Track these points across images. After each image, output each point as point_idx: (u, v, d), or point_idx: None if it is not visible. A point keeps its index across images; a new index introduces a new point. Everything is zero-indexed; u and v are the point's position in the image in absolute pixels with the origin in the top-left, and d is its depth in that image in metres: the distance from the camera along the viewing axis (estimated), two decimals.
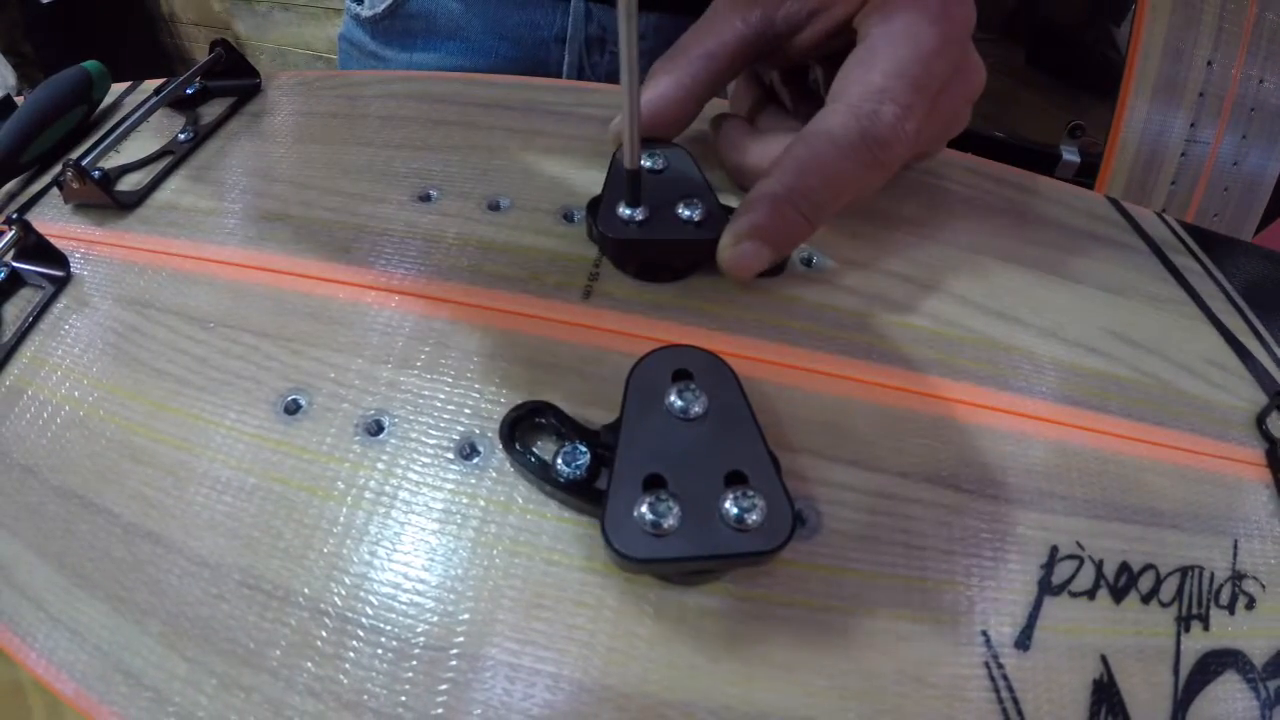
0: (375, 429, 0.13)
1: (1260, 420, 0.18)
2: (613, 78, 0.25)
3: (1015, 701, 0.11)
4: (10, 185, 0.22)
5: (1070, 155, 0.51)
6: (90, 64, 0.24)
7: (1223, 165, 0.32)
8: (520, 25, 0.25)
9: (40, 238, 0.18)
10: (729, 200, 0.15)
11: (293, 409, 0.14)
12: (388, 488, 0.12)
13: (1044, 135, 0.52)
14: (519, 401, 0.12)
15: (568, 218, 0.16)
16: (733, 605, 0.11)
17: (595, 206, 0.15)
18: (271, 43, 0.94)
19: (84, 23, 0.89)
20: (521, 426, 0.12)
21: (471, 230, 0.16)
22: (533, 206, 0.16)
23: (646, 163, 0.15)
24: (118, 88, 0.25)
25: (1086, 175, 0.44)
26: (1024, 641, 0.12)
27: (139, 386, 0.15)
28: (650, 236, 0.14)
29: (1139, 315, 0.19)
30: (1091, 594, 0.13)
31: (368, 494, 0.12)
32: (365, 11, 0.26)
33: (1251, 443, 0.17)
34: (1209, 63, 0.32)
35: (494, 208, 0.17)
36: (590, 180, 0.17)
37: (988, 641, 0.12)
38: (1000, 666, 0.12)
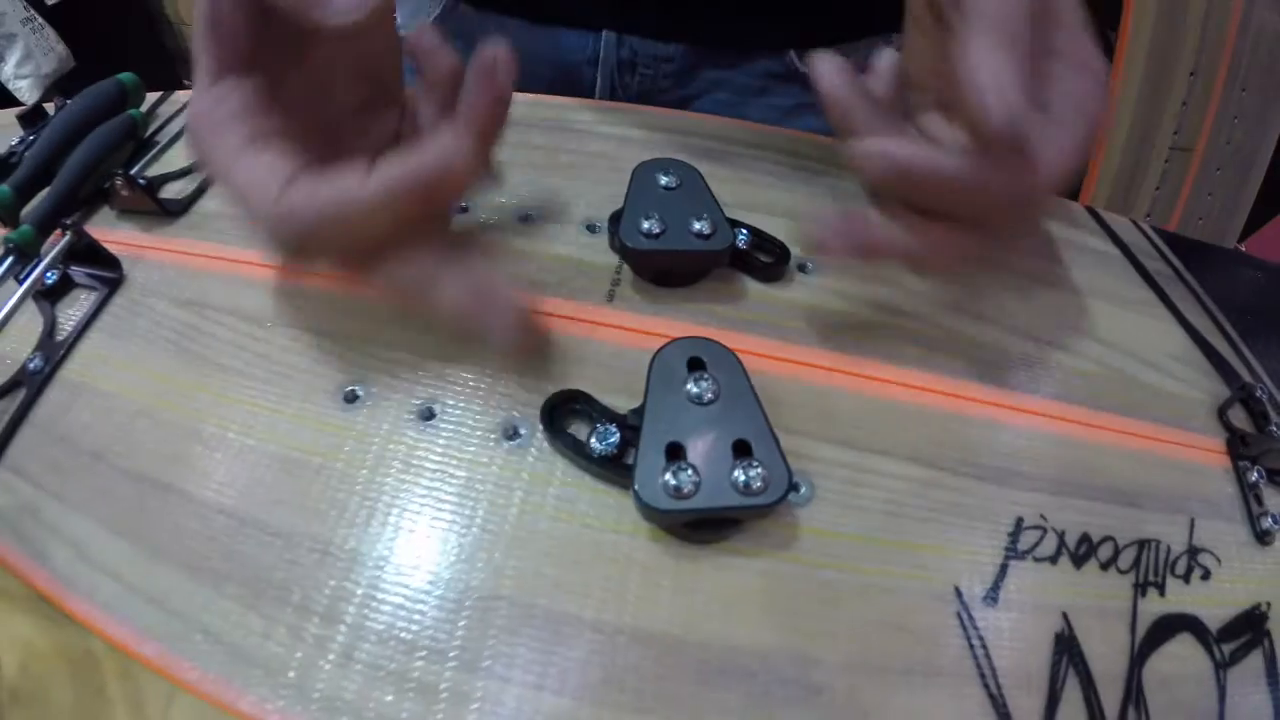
0: (428, 415, 0.16)
1: (1221, 412, 0.21)
2: (643, 98, 0.28)
3: (985, 648, 0.14)
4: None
5: None
6: (125, 76, 0.27)
7: (1207, 170, 0.36)
8: (556, 49, 0.28)
9: (93, 241, 0.21)
10: (731, 214, 0.18)
11: (351, 399, 0.17)
12: (441, 465, 0.15)
13: None
14: (555, 390, 0.15)
15: (590, 229, 0.20)
16: (741, 562, 0.14)
17: (617, 219, 0.18)
18: None
19: (87, 24, 0.93)
20: (558, 411, 0.15)
21: (506, 240, 0.19)
22: (559, 219, 0.20)
23: (663, 180, 0.18)
24: (150, 96, 0.29)
25: (1075, 180, 0.47)
26: (992, 597, 0.15)
27: (204, 379, 0.18)
28: (666, 248, 0.17)
29: (1109, 316, 0.22)
30: (1054, 559, 0.16)
31: (424, 471, 0.15)
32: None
33: (1213, 432, 0.20)
34: (1192, 73, 0.35)
35: (525, 220, 0.20)
36: (607, 194, 0.20)
37: (960, 596, 0.15)
38: (971, 618, 0.15)
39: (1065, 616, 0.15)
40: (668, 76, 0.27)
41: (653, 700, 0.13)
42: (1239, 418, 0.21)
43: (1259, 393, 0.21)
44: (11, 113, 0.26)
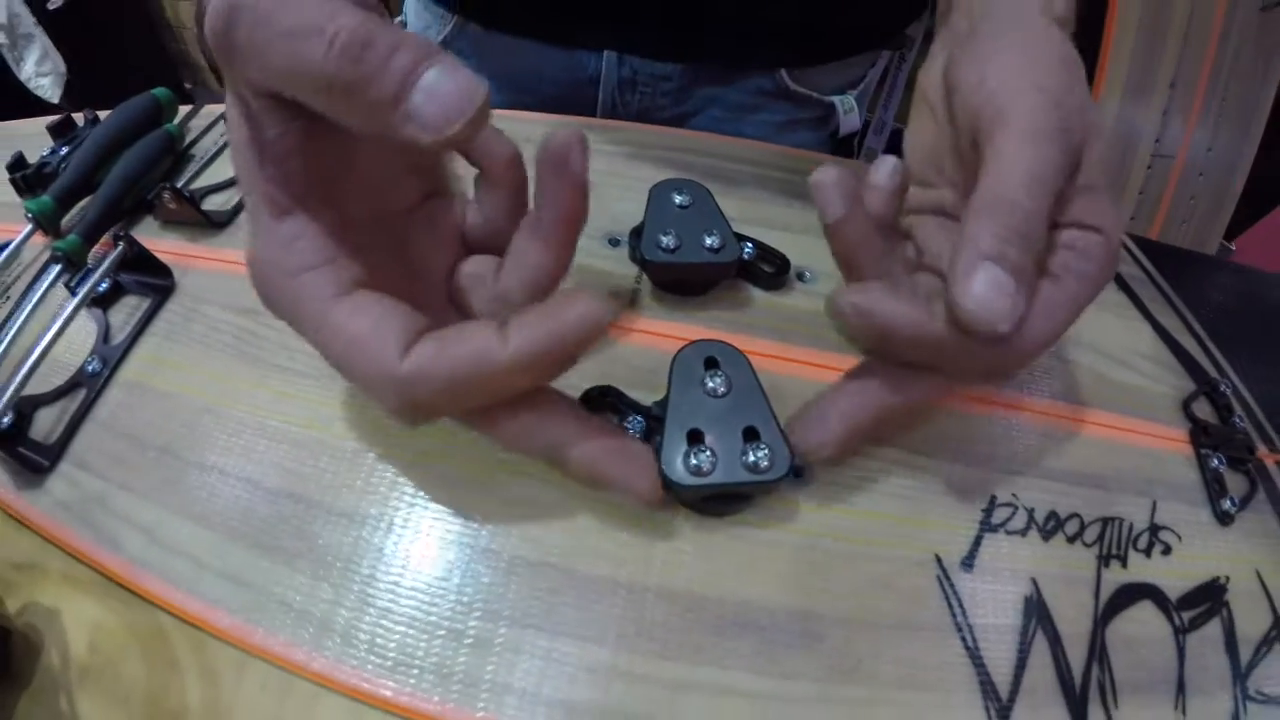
0: None
1: (1186, 405, 0.23)
2: (642, 115, 0.30)
3: (962, 607, 0.17)
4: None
5: None
6: (159, 91, 0.29)
7: (1189, 176, 0.38)
8: (558, 68, 0.30)
9: (144, 250, 0.23)
10: (738, 228, 0.21)
11: None
12: (486, 453, 0.18)
13: None
14: (589, 386, 0.18)
15: (612, 243, 0.22)
16: (751, 532, 0.17)
17: (638, 234, 0.21)
18: None
19: (89, 29, 0.95)
20: (592, 404, 0.18)
21: None
22: (585, 234, 0.22)
23: (677, 199, 0.21)
24: (181, 110, 0.31)
25: None
26: (968, 563, 0.18)
27: (262, 379, 0.20)
28: (682, 260, 0.20)
29: (1082, 317, 0.25)
30: (1024, 533, 0.19)
31: (471, 457, 0.18)
32: None
33: (1177, 424, 0.23)
34: (1172, 84, 0.38)
35: None
36: (624, 211, 0.23)
37: (940, 563, 0.17)
38: (949, 581, 0.17)
39: (1034, 582, 0.18)
40: (665, 94, 0.30)
41: (677, 648, 0.16)
42: (1204, 410, 0.23)
43: (1223, 387, 0.24)
44: (40, 122, 0.29)
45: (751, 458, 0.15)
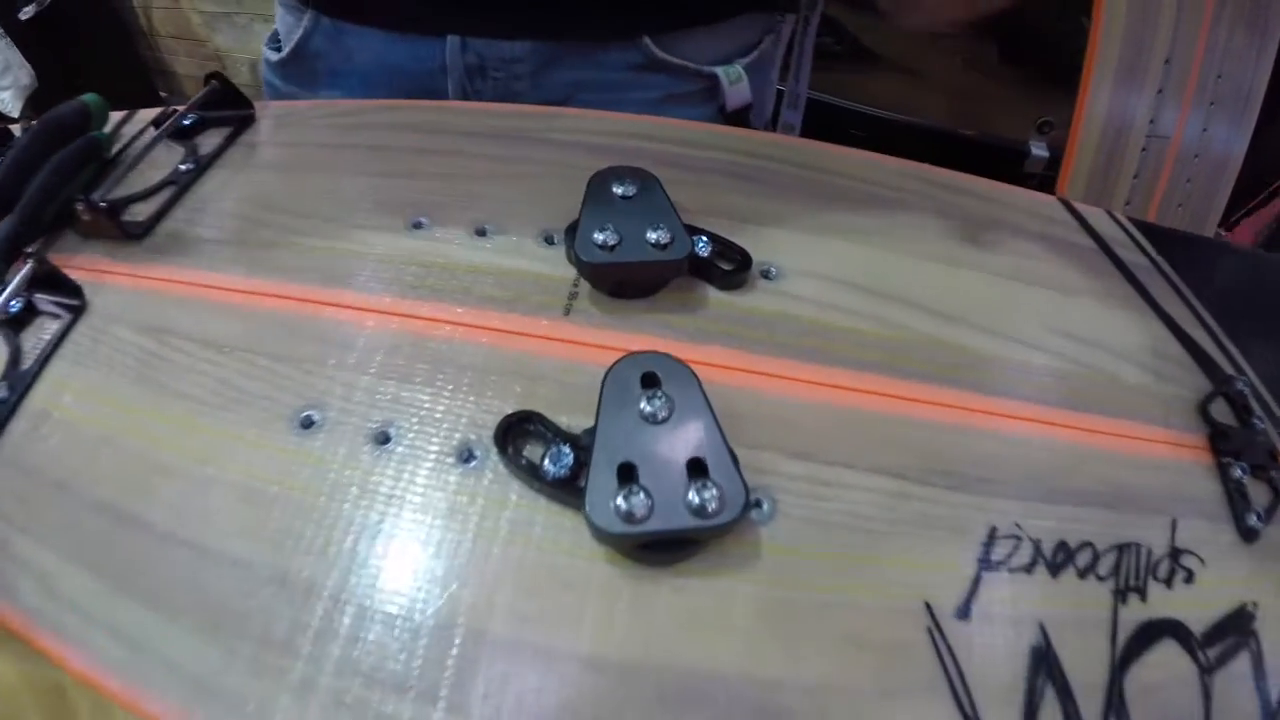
0: (383, 439, 0.15)
1: (1203, 407, 0.20)
2: (501, 100, 0.27)
3: (957, 664, 0.14)
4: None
5: (1039, 150, 0.53)
6: (89, 97, 0.26)
7: (1184, 158, 0.35)
8: (406, 58, 0.27)
9: (54, 269, 0.20)
10: (692, 220, 0.17)
11: (307, 424, 0.16)
12: (397, 490, 0.15)
13: (1014, 131, 0.54)
14: (510, 411, 0.15)
15: (548, 240, 0.19)
16: (699, 584, 0.13)
17: (573, 231, 0.17)
18: (251, 54, 0.97)
19: (62, 37, 0.91)
20: (512, 433, 0.14)
21: (461, 256, 0.18)
22: (515, 231, 0.19)
23: (619, 190, 0.17)
24: (114, 117, 0.28)
25: (1055, 170, 0.46)
26: (964, 612, 0.14)
27: (163, 407, 0.17)
28: (622, 260, 0.16)
29: (1086, 312, 0.21)
30: (1029, 569, 0.15)
31: (379, 496, 0.15)
32: (273, 57, 0.30)
33: (1195, 428, 0.19)
34: (1167, 61, 0.34)
35: (480, 233, 0.19)
36: (566, 204, 0.19)
37: (930, 612, 0.14)
38: (942, 633, 0.14)
39: (1042, 628, 0.14)
40: (520, 79, 0.26)
41: None
42: (1221, 412, 0.20)
43: (1240, 385, 0.20)
44: None
45: (696, 498, 0.12)
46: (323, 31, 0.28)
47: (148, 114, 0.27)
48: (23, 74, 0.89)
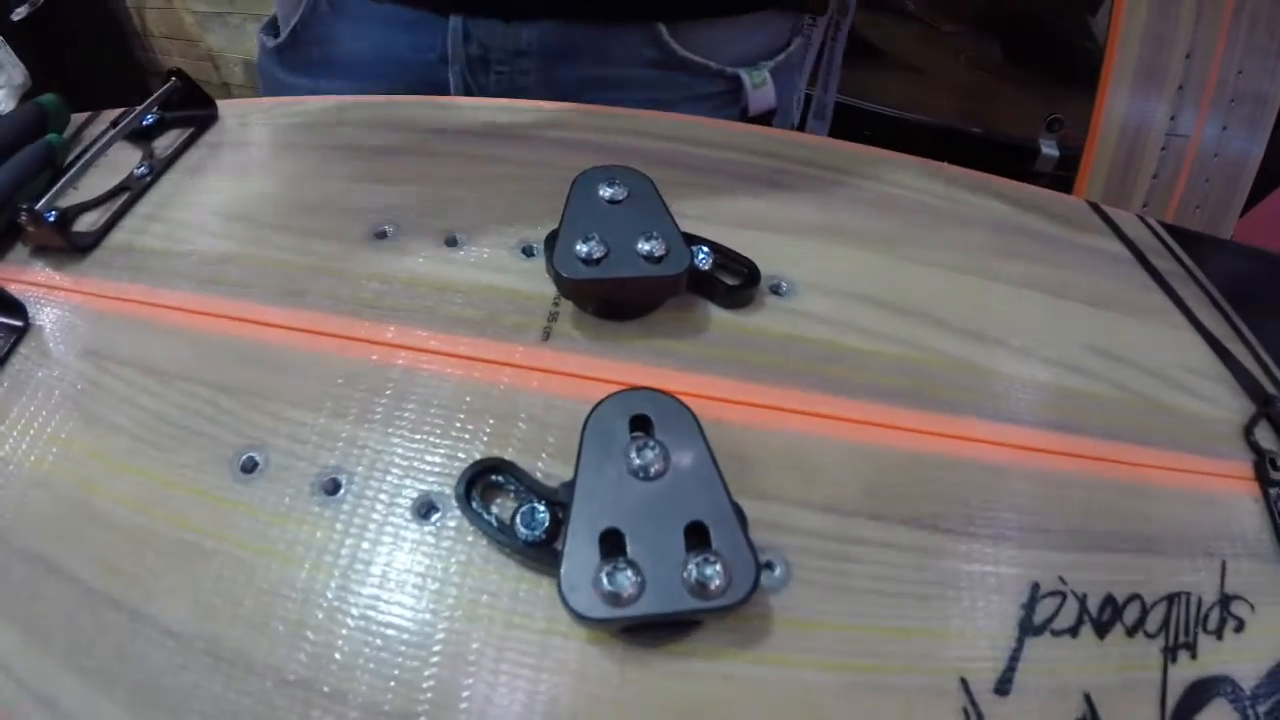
0: (332, 488, 0.13)
1: (1248, 431, 0.17)
2: (506, 97, 0.23)
3: None
4: None
5: (1049, 149, 0.51)
6: (46, 98, 0.23)
7: (1203, 157, 0.32)
8: (406, 48, 0.24)
9: None
10: (693, 228, 0.14)
11: (249, 467, 0.13)
12: (345, 550, 0.12)
13: (1023, 129, 0.51)
14: (477, 457, 0.12)
15: (527, 252, 0.16)
16: (700, 667, 0.11)
17: (553, 241, 0.14)
18: (244, 54, 0.94)
19: (55, 38, 0.88)
20: (479, 484, 0.12)
21: (428, 270, 0.16)
22: (491, 241, 0.16)
23: (606, 192, 0.15)
24: (77, 118, 0.25)
25: (1065, 168, 0.44)
26: (1004, 687, 0.12)
27: (97, 443, 0.15)
28: (608, 275, 0.13)
29: (1121, 327, 0.19)
30: (1075, 631, 0.13)
31: (326, 557, 0.12)
32: (270, 43, 0.28)
33: (1238, 455, 0.16)
34: (1188, 55, 0.31)
35: (451, 243, 0.16)
36: (551, 209, 0.16)
37: (966, 689, 0.11)
38: (979, 713, 0.11)
39: (1088, 698, 0.12)
40: (526, 74, 0.24)
41: None
42: (1265, 435, 0.17)
43: None
44: None
45: (696, 573, 0.09)
46: (320, 16, 0.25)
47: (112, 114, 0.24)
48: (16, 73, 0.85)
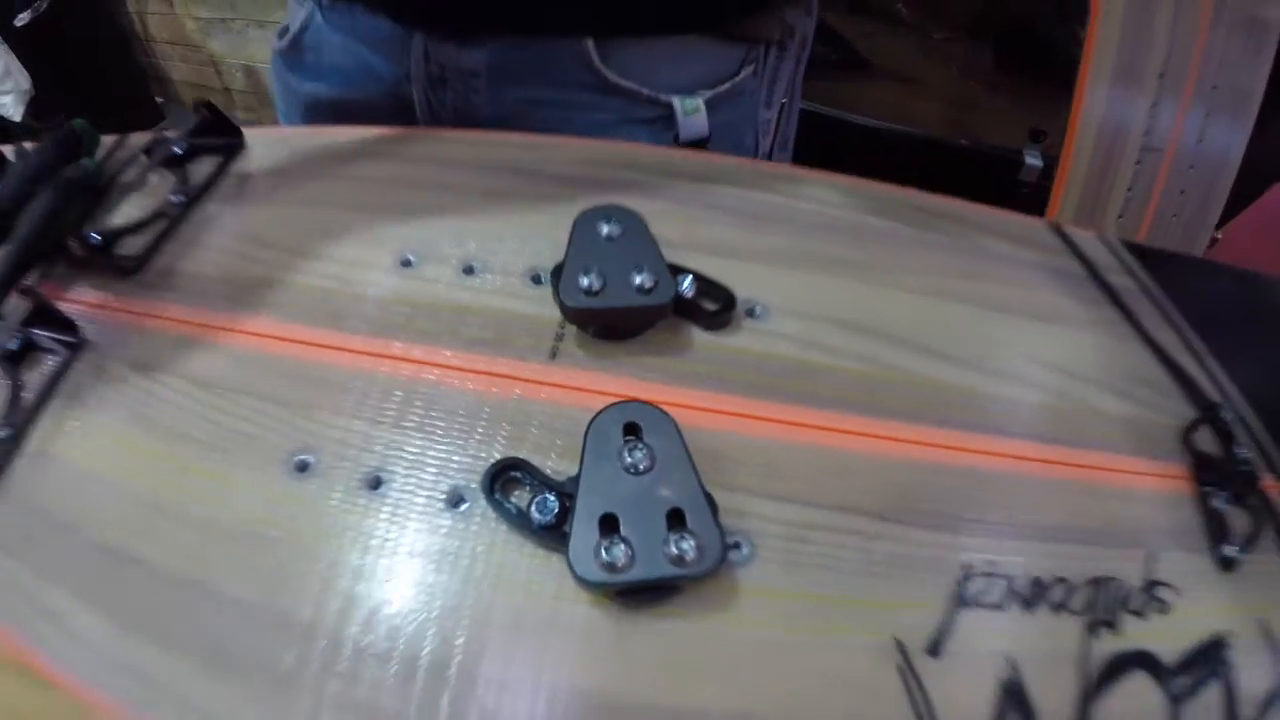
0: (375, 484, 0.17)
1: (1186, 435, 0.21)
2: (460, 113, 0.29)
3: (927, 701, 0.15)
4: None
5: (1033, 159, 0.55)
6: (78, 123, 0.27)
7: (1179, 169, 0.36)
8: (381, 64, 0.30)
9: (50, 305, 0.21)
10: (676, 257, 0.18)
11: (302, 468, 0.17)
12: (390, 535, 0.16)
13: (1009, 140, 0.56)
14: (498, 457, 0.16)
15: (535, 280, 0.20)
16: (679, 625, 0.15)
17: (559, 273, 0.18)
18: (245, 60, 0.99)
19: (58, 43, 0.93)
20: (500, 479, 0.16)
21: (449, 295, 0.20)
22: (503, 270, 0.20)
23: (604, 230, 0.18)
24: (105, 141, 0.29)
25: (1049, 178, 0.47)
26: (936, 649, 0.15)
27: (160, 448, 0.19)
28: (606, 305, 0.17)
29: (1068, 340, 0.23)
30: (1001, 605, 0.16)
31: (374, 541, 0.16)
32: (278, 44, 0.34)
33: (1176, 457, 0.20)
34: (1160, 74, 0.35)
35: (468, 271, 0.20)
36: (556, 241, 0.20)
37: (902, 650, 0.15)
38: (913, 670, 0.15)
39: (1012, 663, 0.16)
40: (478, 92, 0.29)
41: None
42: (1205, 440, 0.21)
43: (1225, 413, 0.22)
44: None
45: (675, 549, 0.13)
46: (317, 27, 0.32)
47: (139, 139, 0.28)
48: (22, 79, 0.90)
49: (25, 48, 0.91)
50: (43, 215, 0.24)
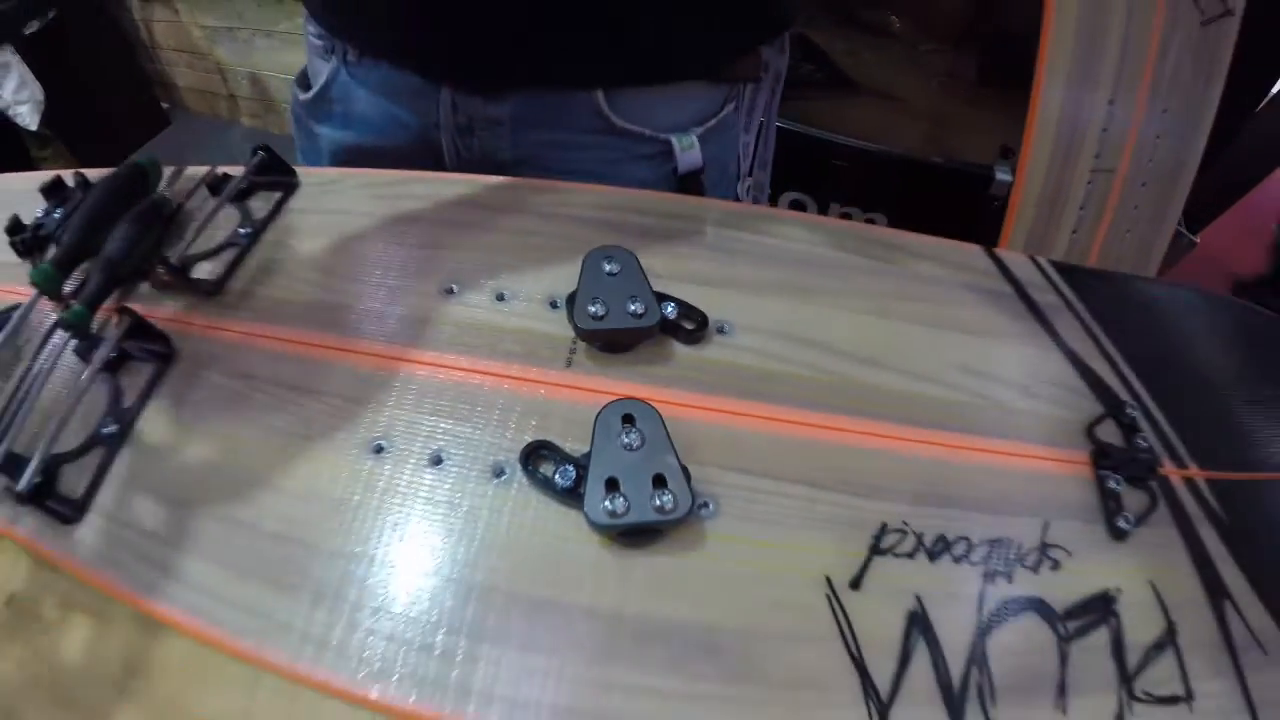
0: (436, 462, 0.24)
1: (1090, 428, 0.27)
2: (485, 156, 0.35)
3: (849, 622, 0.21)
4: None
5: (1003, 175, 0.61)
6: (144, 160, 0.34)
7: (1131, 187, 0.41)
8: (409, 113, 0.35)
9: (143, 321, 0.28)
10: (662, 286, 0.25)
11: (378, 450, 0.24)
12: (454, 499, 0.23)
13: (981, 157, 0.62)
14: (529, 440, 0.23)
15: (553, 305, 0.27)
16: (664, 560, 0.22)
17: (572, 300, 0.25)
18: (251, 68, 1.07)
19: (65, 51, 1.02)
20: (532, 456, 0.23)
21: (486, 318, 0.27)
22: (528, 297, 0.27)
23: (608, 267, 0.25)
24: (165, 171, 0.35)
25: None
26: (857, 583, 0.22)
27: (259, 438, 0.26)
28: (608, 327, 0.24)
29: (991, 350, 0.29)
30: (912, 555, 0.23)
31: (439, 504, 0.23)
32: (302, 95, 0.39)
33: (1080, 446, 0.26)
34: (1110, 101, 0.41)
35: (500, 298, 0.27)
36: (570, 274, 0.27)
37: (830, 584, 0.22)
38: (838, 599, 0.22)
39: (918, 598, 0.22)
40: (500, 139, 0.35)
41: (603, 655, 0.20)
42: (1109, 433, 0.27)
43: (1129, 409, 0.28)
44: (29, 177, 0.33)
45: (659, 501, 0.20)
46: (343, 83, 0.37)
47: (194, 172, 0.35)
48: (36, 90, 0.99)
49: (33, 56, 1.00)
50: (126, 241, 0.31)
